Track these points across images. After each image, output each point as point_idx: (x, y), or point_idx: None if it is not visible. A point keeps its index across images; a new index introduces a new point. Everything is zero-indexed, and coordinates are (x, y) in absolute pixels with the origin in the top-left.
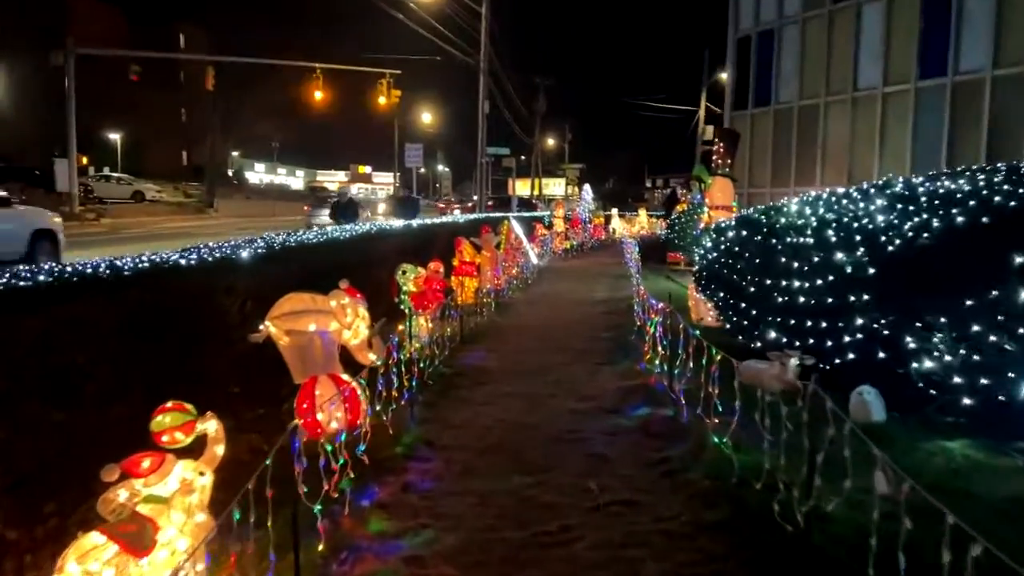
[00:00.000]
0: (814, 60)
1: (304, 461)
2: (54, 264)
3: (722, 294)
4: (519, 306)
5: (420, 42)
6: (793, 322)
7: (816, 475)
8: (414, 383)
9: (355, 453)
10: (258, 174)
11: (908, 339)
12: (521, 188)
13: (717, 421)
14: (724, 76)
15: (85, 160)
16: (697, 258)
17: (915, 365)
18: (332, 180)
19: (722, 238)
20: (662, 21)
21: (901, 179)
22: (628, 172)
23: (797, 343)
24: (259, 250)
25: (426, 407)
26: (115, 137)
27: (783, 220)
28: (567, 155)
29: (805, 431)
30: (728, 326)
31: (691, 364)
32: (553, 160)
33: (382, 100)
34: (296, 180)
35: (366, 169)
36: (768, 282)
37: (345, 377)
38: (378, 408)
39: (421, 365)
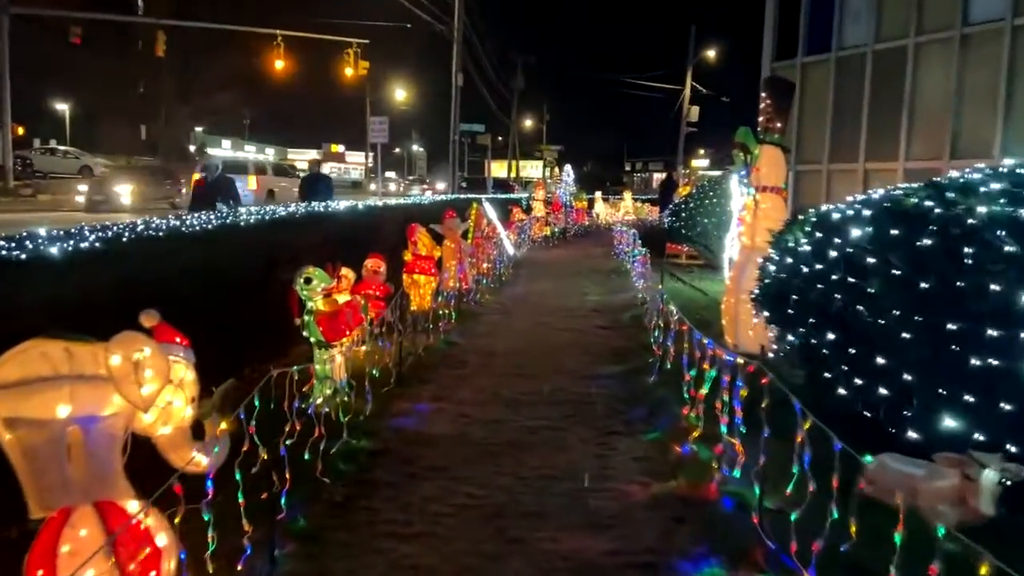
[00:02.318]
0: None
1: None
2: None
3: (830, 336)
4: (489, 316)
5: (393, 11)
6: (1009, 408)
7: None
8: (283, 503)
9: None
10: (224, 151)
11: None
12: (498, 169)
13: None
14: (712, 53)
15: (21, 131)
16: (772, 268)
17: None
18: (303, 158)
19: (833, 239)
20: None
21: None
22: (607, 155)
23: (1011, 446)
24: (87, 243)
25: (304, 548)
26: (63, 108)
27: (982, 210)
28: (544, 137)
29: None
30: (843, 391)
31: (805, 480)
32: (531, 142)
33: (349, 71)
34: (266, 158)
35: (339, 148)
36: (950, 327)
37: (131, 507)
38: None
39: (306, 456)
